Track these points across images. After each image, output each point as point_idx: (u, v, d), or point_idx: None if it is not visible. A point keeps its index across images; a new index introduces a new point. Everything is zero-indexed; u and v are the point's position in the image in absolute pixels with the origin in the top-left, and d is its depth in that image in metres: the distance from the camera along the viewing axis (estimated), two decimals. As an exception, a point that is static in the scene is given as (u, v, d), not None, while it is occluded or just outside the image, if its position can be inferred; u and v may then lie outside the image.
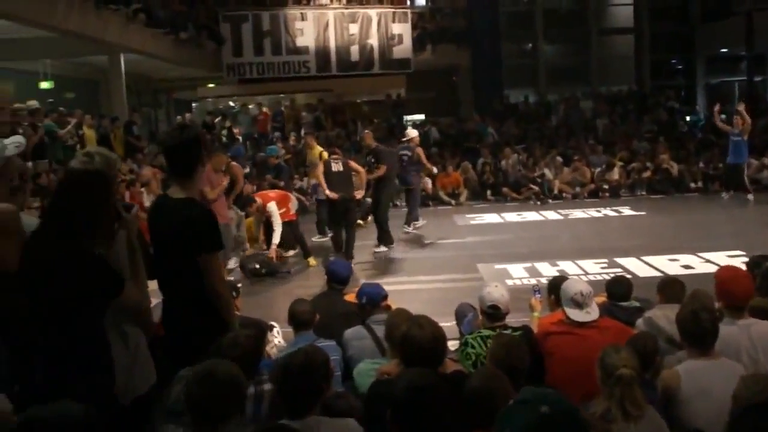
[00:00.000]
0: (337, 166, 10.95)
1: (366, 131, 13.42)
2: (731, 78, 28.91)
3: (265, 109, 22.83)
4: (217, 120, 22.84)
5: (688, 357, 4.01)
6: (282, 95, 24.54)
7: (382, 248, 11.35)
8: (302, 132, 19.09)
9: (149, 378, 3.63)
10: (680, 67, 29.85)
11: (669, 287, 5.29)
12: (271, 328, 6.03)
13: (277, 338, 6.00)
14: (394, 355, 4.09)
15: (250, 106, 23.52)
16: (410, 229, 12.59)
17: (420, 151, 12.67)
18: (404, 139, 13.01)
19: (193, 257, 3.81)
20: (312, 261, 11.01)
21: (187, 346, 3.84)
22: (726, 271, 4.83)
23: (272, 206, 10.69)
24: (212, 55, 22.01)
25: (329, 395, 3.67)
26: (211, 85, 25.71)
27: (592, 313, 4.56)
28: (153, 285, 3.85)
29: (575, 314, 4.55)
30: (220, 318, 3.86)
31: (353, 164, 11.23)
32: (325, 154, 12.13)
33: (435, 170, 14.75)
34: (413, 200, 12.88)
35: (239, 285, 6.45)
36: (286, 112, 22.99)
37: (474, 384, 3.34)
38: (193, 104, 28.53)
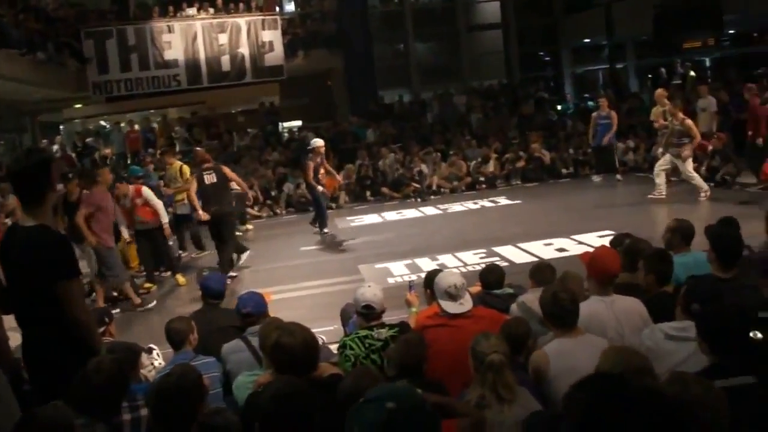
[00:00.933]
0: (210, 178, 10.71)
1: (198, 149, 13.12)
2: (595, 66, 30.17)
3: (136, 126, 22.21)
4: (88, 140, 22.11)
5: (555, 337, 4.15)
6: (153, 111, 23.95)
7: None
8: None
9: (14, 415, 3.48)
10: (548, 58, 30.87)
11: (539, 272, 5.48)
12: (150, 350, 5.88)
13: (158, 360, 5.84)
14: (269, 365, 4.06)
15: (122, 124, 22.84)
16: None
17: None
18: (309, 148, 13.03)
19: (50, 285, 3.67)
20: (181, 279, 10.77)
21: (52, 377, 3.70)
22: (596, 250, 5.04)
23: (146, 190, 10.51)
24: (76, 74, 21.21)
25: (206, 412, 3.61)
26: (78, 106, 24.81)
27: (465, 304, 4.65)
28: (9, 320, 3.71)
29: (449, 306, 4.62)
30: (85, 346, 3.73)
31: (229, 173, 11.02)
32: (186, 168, 12.05)
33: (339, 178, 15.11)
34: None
35: (113, 311, 6.26)
36: (159, 128, 22.45)
37: (345, 385, 3.36)
38: (61, 126, 27.43)
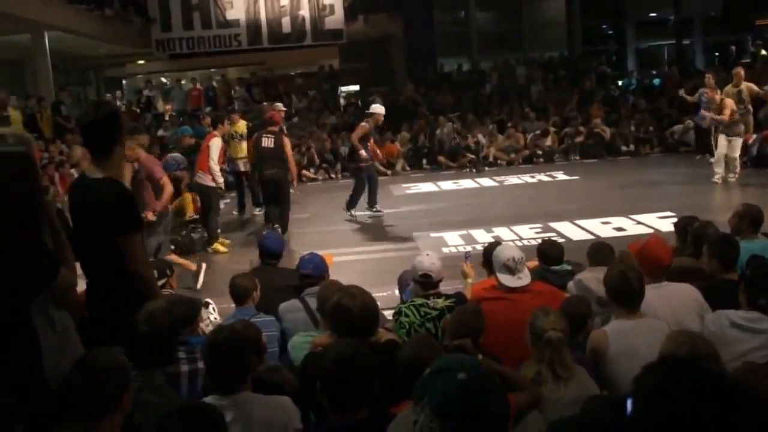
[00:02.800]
0: (268, 142, 10.79)
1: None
2: (660, 42, 29.42)
3: (198, 85, 22.43)
4: (146, 93, 22.45)
5: (616, 317, 4.10)
6: (213, 70, 24.14)
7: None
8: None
9: (77, 354, 3.57)
10: (611, 32, 30.23)
11: (598, 251, 5.42)
12: (207, 305, 5.99)
13: (213, 314, 5.95)
14: (327, 327, 4.09)
15: (182, 82, 23.08)
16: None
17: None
18: (368, 112, 12.66)
19: (113, 238, 3.73)
20: (219, 247, 10.47)
21: (112, 326, 3.77)
22: (646, 240, 4.96)
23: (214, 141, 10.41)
24: (141, 30, 21.50)
25: (262, 369, 3.67)
26: (141, 62, 25.14)
27: (524, 278, 4.63)
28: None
29: (507, 280, 4.61)
30: (145, 298, 3.79)
31: (287, 145, 10.96)
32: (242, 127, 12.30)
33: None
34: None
35: (174, 264, 6.37)
36: (218, 87, 22.64)
37: (405, 353, 3.36)
38: (124, 81, 27.87)
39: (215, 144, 10.27)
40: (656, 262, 4.56)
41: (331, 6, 22.50)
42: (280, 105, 13.75)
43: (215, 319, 5.81)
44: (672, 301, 4.25)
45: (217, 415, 2.60)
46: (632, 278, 3.98)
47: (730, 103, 12.79)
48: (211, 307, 5.98)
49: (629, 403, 2.21)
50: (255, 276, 5.52)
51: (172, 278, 5.61)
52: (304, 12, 22.35)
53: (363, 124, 12.11)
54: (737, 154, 12.78)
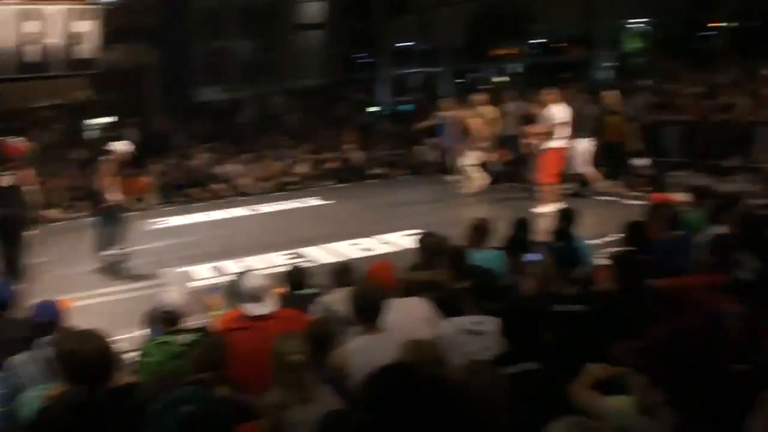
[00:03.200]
0: (6, 179, 10.03)
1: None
2: (413, 70, 30.92)
3: None
4: None
5: (358, 333, 4.26)
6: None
7: None
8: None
9: None
10: (366, 61, 31.26)
11: (339, 273, 5.63)
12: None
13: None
14: (62, 378, 3.87)
15: None
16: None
17: None
18: (107, 149, 11.50)
19: None
20: None
21: None
22: (374, 265, 5.47)
23: None
24: None
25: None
26: None
27: (268, 305, 4.66)
28: None
29: (252, 308, 4.64)
30: None
31: (27, 176, 10.27)
32: None
33: None
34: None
35: None
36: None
37: (143, 389, 3.29)
38: None
39: None
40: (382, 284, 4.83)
41: (84, 34, 21.24)
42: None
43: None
44: (403, 315, 4.49)
45: None
46: (373, 296, 4.22)
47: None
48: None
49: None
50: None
51: None
52: (54, 40, 20.91)
53: (104, 164, 11.17)
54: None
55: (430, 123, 16.70)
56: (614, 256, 4.93)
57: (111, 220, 11.22)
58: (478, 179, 13.93)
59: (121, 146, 11.41)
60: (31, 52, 20.46)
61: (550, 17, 22.49)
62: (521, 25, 22.64)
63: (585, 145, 12.59)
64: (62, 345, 3.70)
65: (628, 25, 23.42)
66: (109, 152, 11.44)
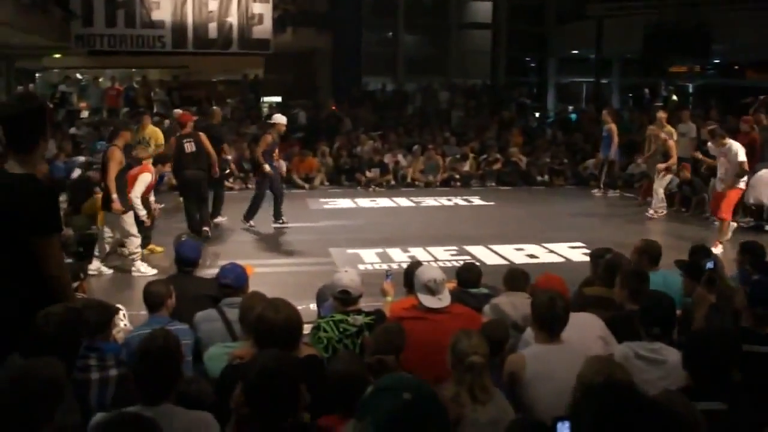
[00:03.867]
0: (189, 146, 10.74)
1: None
2: (580, 79, 30.33)
3: (117, 84, 21.87)
4: (61, 87, 21.72)
5: (535, 341, 4.18)
6: (134, 70, 23.62)
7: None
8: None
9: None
10: (533, 65, 30.97)
11: (514, 277, 5.54)
12: (117, 311, 5.81)
13: (123, 321, 5.79)
14: (247, 339, 4.04)
15: (100, 80, 22.47)
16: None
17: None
18: (270, 122, 12.49)
19: (27, 238, 3.54)
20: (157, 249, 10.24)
21: (16, 330, 3.58)
22: (541, 278, 5.34)
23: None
24: (59, 23, 20.75)
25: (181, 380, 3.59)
26: (57, 56, 24.36)
27: (443, 300, 4.68)
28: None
29: (428, 300, 4.64)
30: (54, 301, 3.62)
31: (205, 141, 10.95)
32: (159, 134, 12.10)
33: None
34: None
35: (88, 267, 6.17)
36: (138, 88, 22.14)
37: (336, 368, 3.35)
38: (37, 74, 26.94)
39: (144, 179, 9.62)
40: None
41: (260, 15, 22.31)
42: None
43: (126, 326, 5.64)
44: (577, 330, 4.34)
45: (155, 427, 2.46)
46: (559, 306, 4.07)
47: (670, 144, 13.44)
48: (121, 313, 5.80)
49: (561, 426, 2.27)
50: (170, 283, 5.41)
51: (84, 281, 5.44)
52: (232, 19, 22.09)
53: (266, 135, 11.98)
54: (659, 187, 13.45)
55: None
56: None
57: (264, 192, 11.91)
58: (663, 205, 13.52)
59: (280, 119, 12.01)
60: (213, 30, 21.60)
61: (732, 36, 21.37)
62: (700, 42, 21.49)
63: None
64: (254, 309, 3.86)
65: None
66: (270, 125, 12.02)
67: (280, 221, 12.15)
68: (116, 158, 9.01)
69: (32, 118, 3.66)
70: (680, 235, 11.33)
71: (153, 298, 4.87)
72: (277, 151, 12.27)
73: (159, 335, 3.30)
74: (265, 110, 23.67)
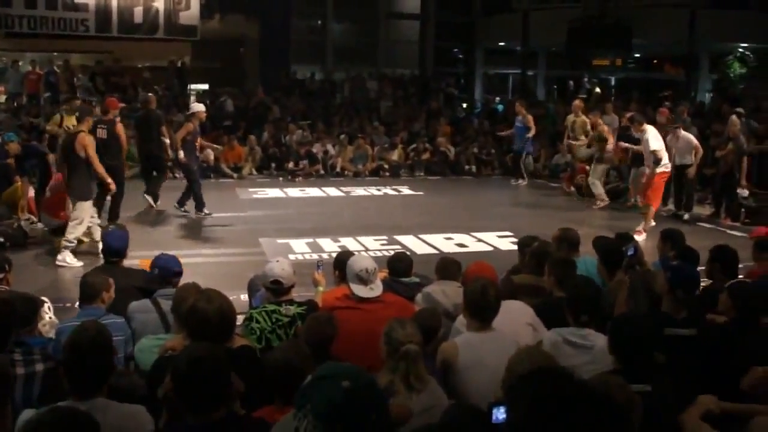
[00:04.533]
0: (101, 133, 10.54)
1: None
2: (506, 70, 30.71)
3: (37, 68, 21.17)
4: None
5: (467, 329, 4.24)
6: (55, 54, 22.91)
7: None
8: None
9: None
10: (461, 56, 31.17)
11: (446, 266, 5.59)
12: (42, 303, 5.67)
13: (49, 314, 5.64)
14: (179, 330, 4.00)
15: (20, 63, 21.72)
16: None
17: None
18: (189, 113, 12.41)
19: None
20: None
21: None
22: (473, 265, 5.40)
23: None
24: (-25, 3, 20.03)
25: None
26: (-29, 37, 23.46)
27: (376, 289, 4.70)
28: None
29: (360, 290, 4.66)
30: None
31: (120, 130, 10.87)
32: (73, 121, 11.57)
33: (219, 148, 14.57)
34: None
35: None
36: (60, 73, 21.47)
37: (276, 357, 3.35)
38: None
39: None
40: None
41: (187, 1, 21.86)
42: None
43: (51, 318, 5.50)
44: (507, 318, 4.41)
45: (93, 423, 2.38)
46: (491, 295, 4.13)
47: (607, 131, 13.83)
48: (46, 306, 5.65)
49: (497, 411, 2.32)
50: (108, 275, 5.32)
51: (9, 273, 5.29)
52: (159, 4, 21.53)
53: (187, 123, 11.93)
54: (596, 179, 13.79)
55: (510, 132, 17.27)
56: (730, 286, 4.78)
57: (197, 176, 11.88)
58: (601, 196, 13.71)
59: (198, 107, 12.04)
60: (138, 14, 21.14)
61: (651, 32, 22.02)
62: (620, 36, 22.13)
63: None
64: (187, 300, 3.82)
65: (732, 48, 22.92)
66: (190, 114, 11.93)
67: (183, 210, 12.09)
68: (91, 142, 9.08)
69: None
70: (604, 224, 11.66)
71: (89, 288, 4.77)
72: (199, 140, 12.23)
73: (90, 327, 3.24)
74: (192, 98, 23.26)
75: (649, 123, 11.76)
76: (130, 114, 16.45)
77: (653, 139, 11.13)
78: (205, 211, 11.88)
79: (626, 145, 12.93)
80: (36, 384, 3.61)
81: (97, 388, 3.07)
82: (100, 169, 9.20)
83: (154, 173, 12.45)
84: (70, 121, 12.13)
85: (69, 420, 2.29)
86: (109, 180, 9.38)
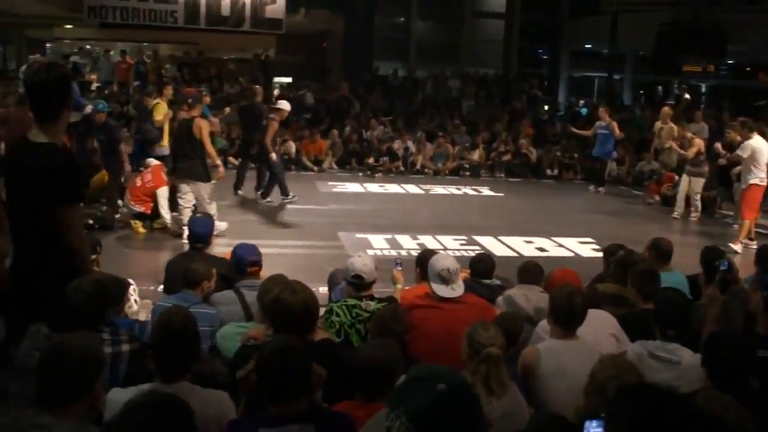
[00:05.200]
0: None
1: None
2: (592, 73, 30.16)
3: (127, 58, 21.79)
4: (74, 59, 21.65)
5: (550, 336, 4.15)
6: (145, 44, 23.53)
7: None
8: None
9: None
10: (545, 57, 30.80)
11: (528, 269, 5.51)
12: (128, 285, 5.80)
13: (134, 296, 5.77)
14: (262, 320, 4.02)
15: (111, 53, 22.39)
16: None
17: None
18: (275, 107, 12.37)
19: (51, 207, 3.56)
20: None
21: (38, 300, 3.62)
22: (557, 272, 5.33)
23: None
24: (72, -7, 20.72)
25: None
26: (68, 26, 24.26)
27: (457, 289, 4.64)
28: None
29: (441, 290, 4.60)
30: (73, 272, 3.64)
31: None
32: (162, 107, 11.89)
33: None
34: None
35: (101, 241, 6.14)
36: (150, 63, 22.05)
37: (367, 353, 3.33)
38: (48, 45, 26.84)
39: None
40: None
41: (273, -4, 22.19)
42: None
43: (136, 301, 5.63)
44: (590, 327, 4.30)
45: (188, 409, 2.38)
46: (578, 303, 4.03)
47: (698, 143, 12.97)
48: (131, 288, 5.78)
49: (590, 425, 2.25)
50: (181, 260, 5.41)
51: (100, 255, 5.42)
52: (245, -2, 21.96)
53: (272, 122, 11.80)
54: (698, 191, 12.99)
55: (589, 133, 16.64)
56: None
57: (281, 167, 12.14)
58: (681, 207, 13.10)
59: (285, 105, 12.14)
60: (225, 7, 21.48)
61: (747, 38, 21.25)
62: (714, 42, 21.35)
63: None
64: (271, 290, 3.84)
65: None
66: (274, 110, 12.01)
67: (267, 200, 12.30)
68: (206, 126, 9.71)
69: (57, 88, 3.66)
70: (694, 234, 11.34)
71: (192, 275, 4.86)
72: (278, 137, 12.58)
73: (178, 312, 3.30)
74: (276, 91, 23.57)
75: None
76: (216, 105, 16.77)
77: (756, 149, 10.63)
78: (291, 194, 11.86)
79: (725, 151, 11.98)
80: (122, 364, 3.67)
81: (183, 372, 3.11)
82: (213, 150, 9.79)
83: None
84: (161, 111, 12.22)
85: (166, 405, 2.31)
86: (219, 162, 10.01)
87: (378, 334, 3.97)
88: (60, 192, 3.56)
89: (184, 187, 9.55)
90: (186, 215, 9.19)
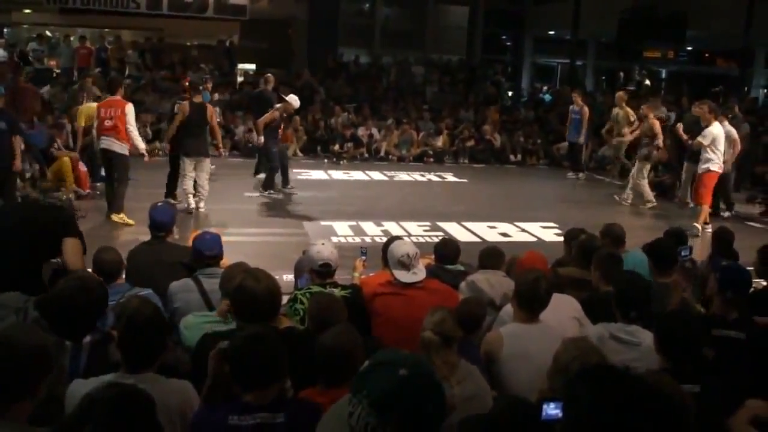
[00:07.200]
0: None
1: None
2: (554, 59, 30.34)
3: (87, 43, 21.44)
4: (32, 45, 21.28)
5: (514, 319, 4.20)
6: (106, 30, 23.19)
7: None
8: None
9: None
10: (509, 43, 30.88)
11: (490, 254, 5.54)
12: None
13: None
14: (234, 312, 4.00)
15: (71, 38, 22.02)
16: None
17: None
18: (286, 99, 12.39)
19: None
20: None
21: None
22: (525, 255, 5.39)
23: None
24: (31, -23, 20.36)
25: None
26: (27, 11, 23.82)
27: (418, 274, 4.65)
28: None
29: (402, 275, 4.62)
30: None
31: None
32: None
33: None
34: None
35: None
36: (111, 49, 21.73)
37: (328, 339, 3.33)
38: (5, 30, 26.31)
39: (130, 109, 9.99)
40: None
41: (237, -19, 21.98)
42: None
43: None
44: (553, 310, 4.34)
45: (150, 401, 2.37)
46: (542, 287, 4.08)
47: (654, 123, 12.91)
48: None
49: (547, 407, 2.29)
50: (141, 249, 5.36)
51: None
52: (209, -17, 21.73)
53: (274, 111, 11.95)
54: (641, 178, 12.92)
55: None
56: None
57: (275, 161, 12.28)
58: (649, 197, 12.85)
59: (294, 100, 12.17)
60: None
61: (706, 24, 21.48)
62: (674, 28, 21.59)
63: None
64: (234, 278, 3.83)
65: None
66: (284, 100, 12.04)
67: (289, 187, 12.61)
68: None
69: None
70: (652, 219, 11.48)
71: (106, 267, 4.74)
72: (281, 129, 12.65)
73: (146, 304, 3.28)
74: (240, 78, 23.37)
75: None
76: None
77: (717, 135, 10.75)
78: (274, 192, 12.24)
79: (686, 141, 11.70)
80: (83, 356, 3.64)
81: (150, 363, 3.10)
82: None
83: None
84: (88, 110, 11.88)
85: (127, 397, 2.29)
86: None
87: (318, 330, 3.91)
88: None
89: (189, 167, 10.52)
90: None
